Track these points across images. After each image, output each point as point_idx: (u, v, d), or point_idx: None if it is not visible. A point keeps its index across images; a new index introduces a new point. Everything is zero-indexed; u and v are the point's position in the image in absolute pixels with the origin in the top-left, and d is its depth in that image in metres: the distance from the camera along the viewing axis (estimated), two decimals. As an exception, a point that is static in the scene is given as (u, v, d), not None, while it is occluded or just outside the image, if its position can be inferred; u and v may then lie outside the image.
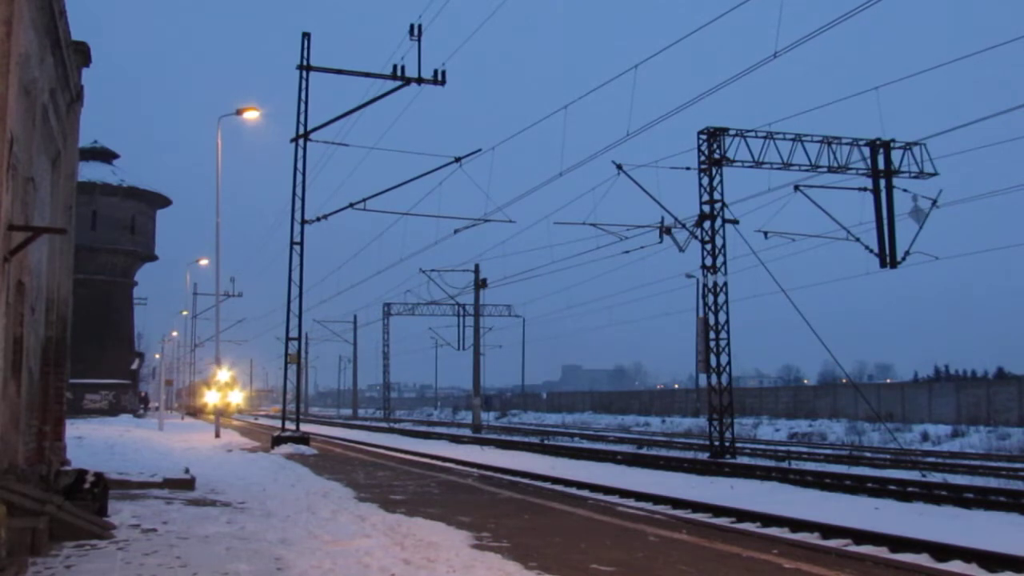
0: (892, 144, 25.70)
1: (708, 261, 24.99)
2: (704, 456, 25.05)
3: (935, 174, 25.79)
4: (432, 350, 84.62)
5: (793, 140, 24.95)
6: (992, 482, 19.20)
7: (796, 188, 25.24)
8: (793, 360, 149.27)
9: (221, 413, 68.57)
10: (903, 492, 16.55)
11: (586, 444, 34.24)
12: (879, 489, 16.95)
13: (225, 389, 77.56)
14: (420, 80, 25.22)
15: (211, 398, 71.92)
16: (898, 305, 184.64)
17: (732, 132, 24.80)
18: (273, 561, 7.54)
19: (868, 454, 29.01)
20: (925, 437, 36.77)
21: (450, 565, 7.38)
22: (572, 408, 77.64)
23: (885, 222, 25.67)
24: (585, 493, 16.88)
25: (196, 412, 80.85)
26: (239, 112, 29.58)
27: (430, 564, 7.42)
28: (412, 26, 24.60)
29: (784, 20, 17.26)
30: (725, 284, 25.02)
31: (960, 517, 14.01)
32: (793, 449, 30.37)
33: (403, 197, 30.19)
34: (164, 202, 55.00)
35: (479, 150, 27.18)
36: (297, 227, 27.14)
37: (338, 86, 27.71)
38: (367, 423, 66.01)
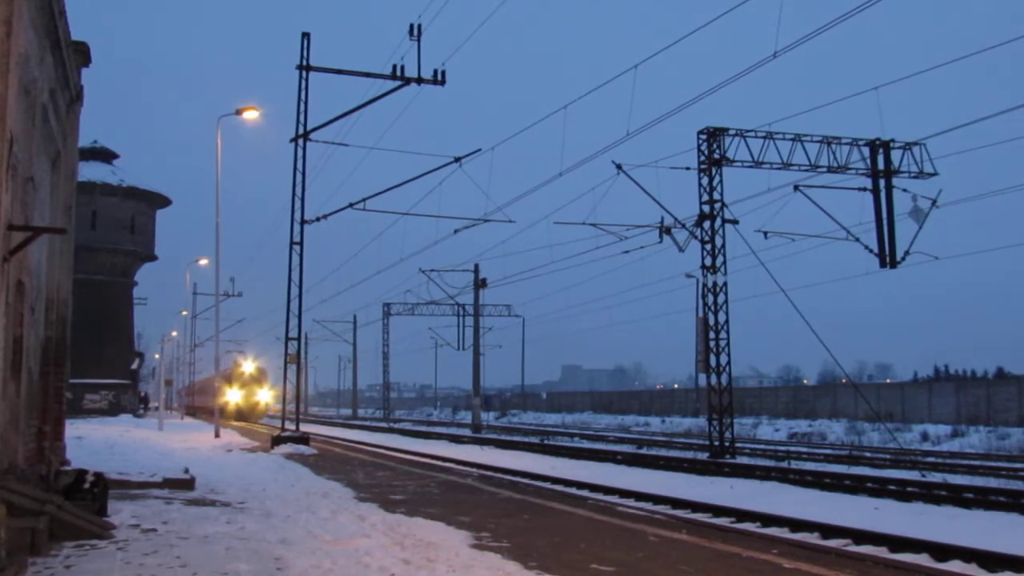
0: (892, 144, 25.72)
1: (708, 261, 25.00)
2: (704, 456, 25.05)
3: (935, 174, 25.81)
4: (432, 350, 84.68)
5: (793, 140, 24.96)
6: (992, 482, 19.20)
7: (796, 188, 25.25)
8: (793, 360, 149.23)
9: (246, 417, 56.64)
10: (903, 492, 16.55)
11: (586, 444, 34.24)
12: (879, 489, 16.95)
13: (252, 385, 61.88)
14: (420, 80, 25.22)
15: (232, 397, 60.37)
16: (898, 305, 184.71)
17: (732, 132, 24.81)
18: (273, 561, 7.54)
19: (868, 454, 29.02)
20: (925, 437, 36.77)
21: (450, 565, 7.38)
22: (572, 408, 77.65)
23: (885, 222, 25.69)
24: (585, 493, 16.88)
25: (198, 413, 78.07)
26: (239, 112, 29.57)
27: (430, 564, 7.42)
28: (412, 26, 24.61)
29: (784, 20, 17.27)
30: (725, 284, 25.03)
31: (960, 517, 14.01)
32: (793, 449, 30.39)
33: (403, 197, 30.20)
34: (164, 202, 54.99)
35: (479, 150, 27.23)
36: (297, 227, 27.16)
37: (338, 86, 27.71)
38: (367, 423, 65.97)
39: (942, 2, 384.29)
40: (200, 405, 74.60)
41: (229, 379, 60.42)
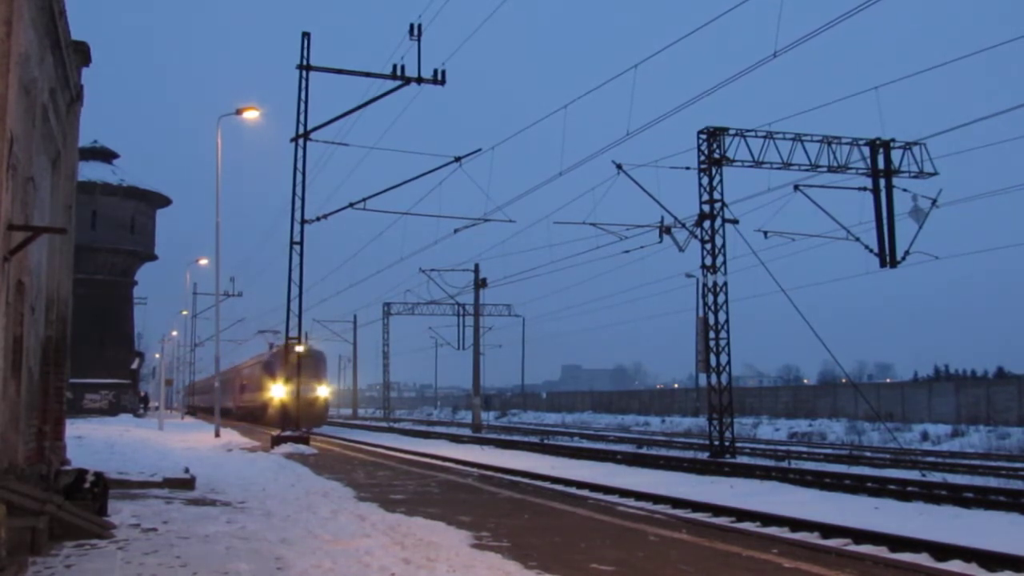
0: (892, 144, 25.72)
1: (708, 261, 25.01)
2: (704, 456, 25.05)
3: (935, 174, 25.82)
4: (432, 350, 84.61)
5: (793, 140, 24.97)
6: (992, 481, 19.21)
7: (796, 188, 25.27)
8: (793, 360, 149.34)
9: (296, 421, 33.66)
10: (903, 492, 16.56)
11: (586, 444, 34.24)
12: (879, 488, 16.96)
13: (306, 375, 38.87)
14: (420, 80, 25.22)
15: (277, 393, 42.26)
16: (898, 305, 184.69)
17: (732, 132, 24.82)
18: (273, 560, 7.54)
19: (868, 454, 29.02)
20: (925, 437, 36.78)
21: (450, 564, 7.38)
22: (572, 408, 77.66)
23: (885, 222, 25.70)
24: (585, 493, 16.88)
25: (198, 413, 75.93)
26: (239, 112, 29.56)
27: (430, 563, 7.42)
28: (412, 26, 24.60)
29: (784, 20, 17.26)
30: (725, 284, 25.03)
31: (960, 516, 14.02)
32: (793, 449, 30.39)
33: (403, 197, 30.24)
34: (164, 202, 55.02)
35: (479, 150, 27.24)
36: (297, 227, 27.15)
37: (338, 86, 27.74)
38: (367, 422, 65.99)
39: (942, 2, 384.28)
40: (203, 405, 68.21)
41: (271, 368, 44.22)
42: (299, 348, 42.08)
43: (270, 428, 35.36)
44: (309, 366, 42.68)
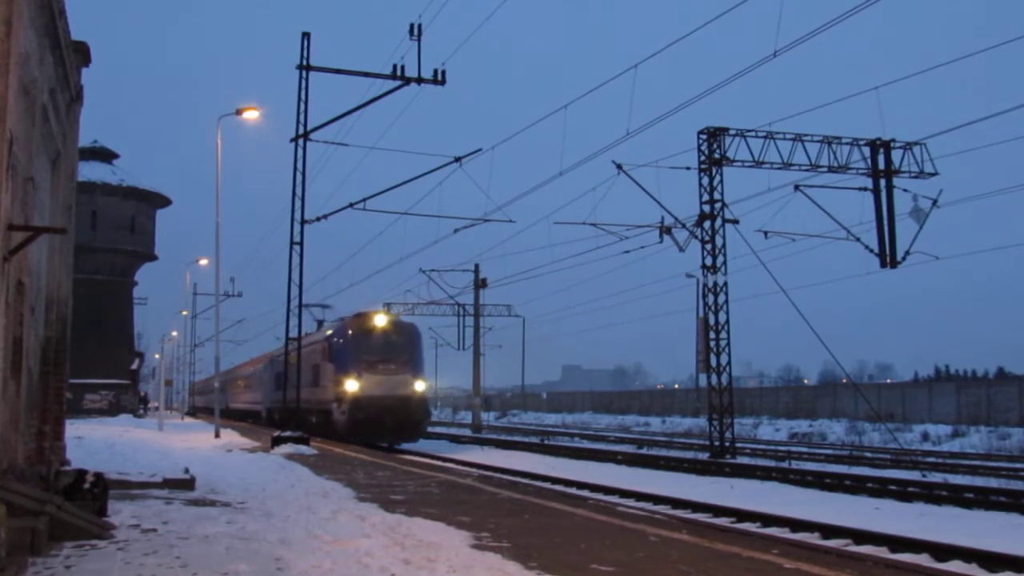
0: (892, 144, 25.72)
1: (708, 261, 25.01)
2: (704, 456, 25.06)
3: (935, 174, 25.82)
4: (432, 350, 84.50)
5: (793, 140, 24.96)
6: (992, 482, 19.22)
7: (796, 188, 25.28)
8: (793, 360, 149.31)
9: (378, 429, 29.09)
10: (903, 492, 16.56)
11: (586, 444, 34.26)
12: (879, 489, 16.96)
13: (393, 363, 30.41)
14: (420, 80, 25.20)
15: (350, 387, 29.53)
16: (898, 305, 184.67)
17: (732, 132, 24.82)
18: (273, 561, 7.53)
19: (868, 454, 29.03)
20: (925, 437, 36.81)
21: (450, 565, 7.37)
22: (572, 408, 77.69)
23: (885, 222, 25.70)
24: (585, 493, 16.88)
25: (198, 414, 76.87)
26: (239, 112, 29.53)
27: (430, 564, 7.41)
28: (412, 26, 24.59)
29: (784, 20, 17.26)
30: (725, 284, 25.04)
31: (960, 517, 14.02)
32: (793, 449, 30.40)
33: (403, 197, 30.29)
34: (164, 202, 55.07)
35: (479, 150, 27.20)
36: (297, 227, 27.13)
37: (338, 86, 27.76)
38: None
39: (943, 2, 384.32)
40: (209, 406, 55.59)
41: (339, 352, 30.89)
42: (381, 320, 30.10)
43: (338, 441, 28.30)
44: (398, 347, 30.82)
